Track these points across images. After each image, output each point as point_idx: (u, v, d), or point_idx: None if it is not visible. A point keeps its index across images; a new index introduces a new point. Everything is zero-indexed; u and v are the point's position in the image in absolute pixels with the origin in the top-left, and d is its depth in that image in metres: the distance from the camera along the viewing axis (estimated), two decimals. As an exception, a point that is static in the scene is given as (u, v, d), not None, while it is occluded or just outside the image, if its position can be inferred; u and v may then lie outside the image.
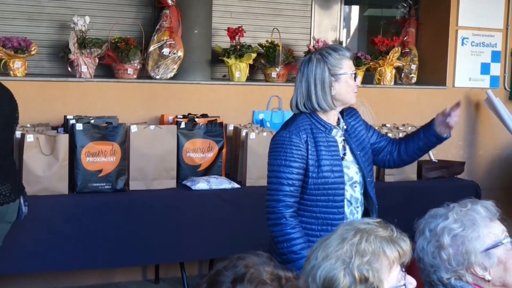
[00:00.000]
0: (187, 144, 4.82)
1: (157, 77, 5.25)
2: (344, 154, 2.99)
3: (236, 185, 4.76)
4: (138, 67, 5.21)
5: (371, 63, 5.92)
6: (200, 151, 4.87)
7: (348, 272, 1.79)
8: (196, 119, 4.94)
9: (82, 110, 4.85)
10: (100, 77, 5.21)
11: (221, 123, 4.97)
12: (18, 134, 4.33)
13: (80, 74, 5.01)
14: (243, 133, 4.90)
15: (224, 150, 4.94)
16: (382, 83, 6.00)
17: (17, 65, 4.85)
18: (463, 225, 2.15)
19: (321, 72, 2.92)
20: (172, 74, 5.29)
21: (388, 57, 5.91)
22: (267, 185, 2.93)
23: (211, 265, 5.00)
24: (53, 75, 5.23)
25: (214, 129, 4.91)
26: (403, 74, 6.24)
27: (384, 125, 5.59)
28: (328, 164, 2.90)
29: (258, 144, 4.76)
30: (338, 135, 3.00)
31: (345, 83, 2.94)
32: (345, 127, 3.04)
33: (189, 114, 5.08)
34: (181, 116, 5.00)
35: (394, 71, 6.07)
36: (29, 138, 4.23)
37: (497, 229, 2.17)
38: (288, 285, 1.55)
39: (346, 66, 2.94)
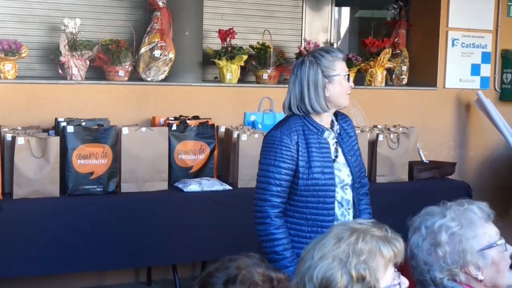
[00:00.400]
0: (178, 146, 4.81)
1: (148, 79, 5.25)
2: (336, 156, 2.99)
3: (228, 187, 4.76)
4: (129, 69, 5.20)
5: (362, 65, 5.93)
6: (192, 153, 4.86)
7: (345, 272, 1.80)
8: (188, 121, 4.94)
9: (73, 113, 4.84)
10: (91, 79, 5.19)
11: (213, 125, 4.97)
12: (9, 136, 4.32)
13: (71, 77, 5.00)
14: (235, 135, 4.90)
15: (215, 152, 4.94)
16: (373, 84, 6.02)
17: (8, 68, 4.83)
18: (461, 223, 2.16)
19: (314, 74, 2.93)
20: (163, 76, 5.28)
21: (379, 58, 5.93)
22: (256, 183, 2.96)
23: (203, 267, 5.00)
24: (44, 78, 5.21)
25: (206, 131, 4.91)
26: (394, 75, 6.25)
27: (375, 126, 5.59)
28: (319, 166, 2.91)
29: (249, 146, 4.76)
30: (330, 137, 3.00)
31: (338, 84, 2.96)
32: (338, 130, 3.05)
33: (181, 116, 5.07)
34: (173, 118, 5.00)
35: (385, 72, 6.08)
36: (20, 140, 4.21)
37: (492, 230, 2.19)
38: (280, 287, 1.55)
39: (339, 68, 2.96)
